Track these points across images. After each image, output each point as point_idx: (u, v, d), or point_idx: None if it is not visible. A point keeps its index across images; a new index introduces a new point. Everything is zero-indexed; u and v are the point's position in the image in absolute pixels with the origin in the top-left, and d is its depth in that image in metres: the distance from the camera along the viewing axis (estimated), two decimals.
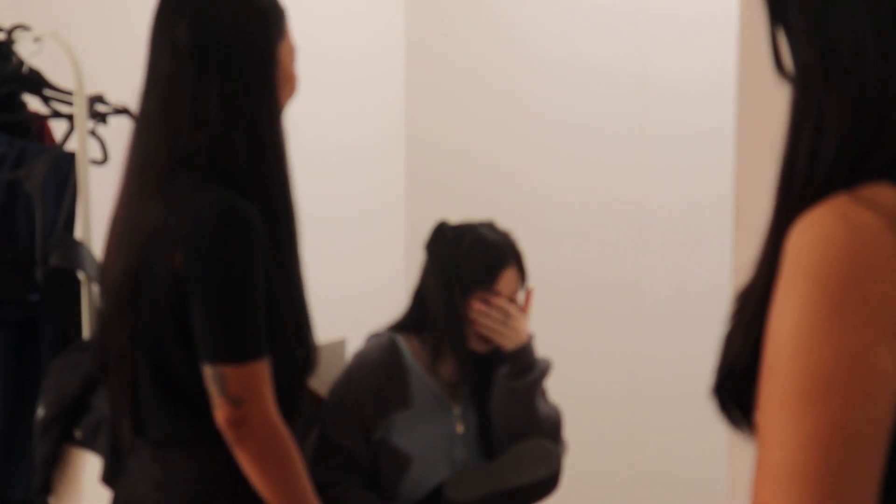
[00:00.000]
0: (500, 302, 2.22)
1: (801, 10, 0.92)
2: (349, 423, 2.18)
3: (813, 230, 0.84)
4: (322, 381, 2.27)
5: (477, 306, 2.21)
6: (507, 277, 2.25)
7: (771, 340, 0.84)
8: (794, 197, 0.90)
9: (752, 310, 0.93)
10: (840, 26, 0.90)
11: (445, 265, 2.23)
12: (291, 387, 1.73)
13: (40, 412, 2.12)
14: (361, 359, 2.24)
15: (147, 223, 1.65)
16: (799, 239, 0.85)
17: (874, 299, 0.81)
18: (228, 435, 1.63)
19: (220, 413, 1.62)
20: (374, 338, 2.29)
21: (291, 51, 1.77)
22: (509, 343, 2.22)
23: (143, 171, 1.68)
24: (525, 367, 2.21)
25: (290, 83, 1.76)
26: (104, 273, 1.76)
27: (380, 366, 2.21)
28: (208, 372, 1.61)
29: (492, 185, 3.81)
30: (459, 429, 2.24)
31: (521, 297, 2.29)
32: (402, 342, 2.25)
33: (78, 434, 2.11)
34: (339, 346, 2.42)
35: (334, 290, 3.31)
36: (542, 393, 2.27)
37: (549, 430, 2.24)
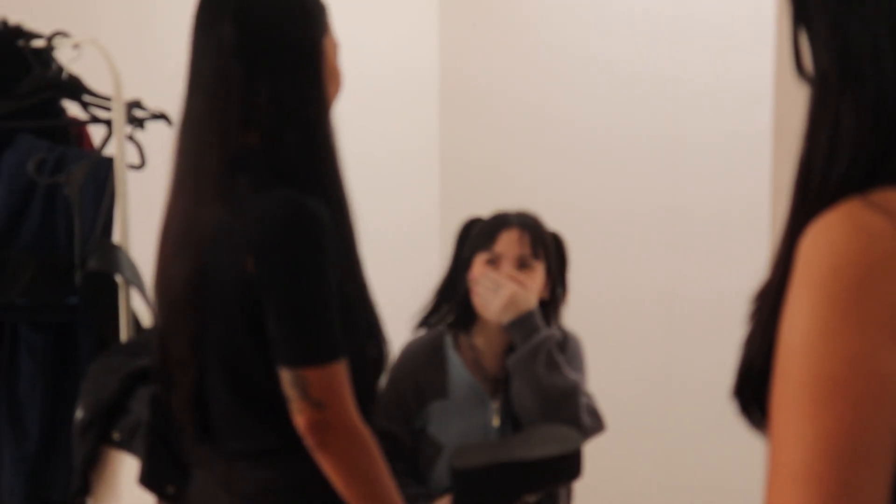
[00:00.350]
0: (490, 271, 2.19)
1: (822, 13, 0.92)
2: (393, 409, 2.21)
3: (824, 234, 0.85)
4: None
5: (471, 274, 2.21)
6: (507, 238, 2.21)
7: (782, 343, 0.85)
8: (810, 199, 0.91)
9: (768, 310, 0.93)
10: (858, 30, 0.90)
11: (461, 239, 2.29)
12: (367, 386, 1.70)
13: (79, 414, 2.13)
14: (407, 349, 2.28)
15: (207, 228, 1.61)
16: (811, 243, 0.85)
17: (883, 303, 0.82)
18: (310, 440, 1.60)
19: (302, 418, 1.59)
20: (429, 330, 2.32)
21: (335, 46, 1.73)
22: (502, 314, 2.16)
23: (196, 175, 1.64)
24: (521, 339, 2.16)
25: (335, 78, 1.73)
26: (161, 282, 1.72)
27: (421, 356, 2.24)
28: (287, 376, 1.58)
29: (525, 197, 3.72)
30: (496, 422, 2.22)
31: (539, 275, 2.22)
32: (449, 335, 2.27)
33: (116, 436, 2.11)
34: None
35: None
36: (554, 365, 2.16)
37: (557, 401, 2.14)
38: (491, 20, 3.87)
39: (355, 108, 3.47)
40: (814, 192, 0.90)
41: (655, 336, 3.64)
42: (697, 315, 3.57)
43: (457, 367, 2.24)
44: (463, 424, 2.21)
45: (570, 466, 2.06)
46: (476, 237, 2.26)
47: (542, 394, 2.13)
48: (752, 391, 0.94)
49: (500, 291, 2.16)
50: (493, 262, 2.22)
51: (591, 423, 2.20)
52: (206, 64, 1.63)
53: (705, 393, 3.47)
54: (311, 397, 1.56)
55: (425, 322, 2.34)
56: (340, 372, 1.59)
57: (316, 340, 1.57)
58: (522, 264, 2.22)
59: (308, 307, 1.57)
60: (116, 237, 2.37)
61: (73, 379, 2.32)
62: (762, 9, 3.04)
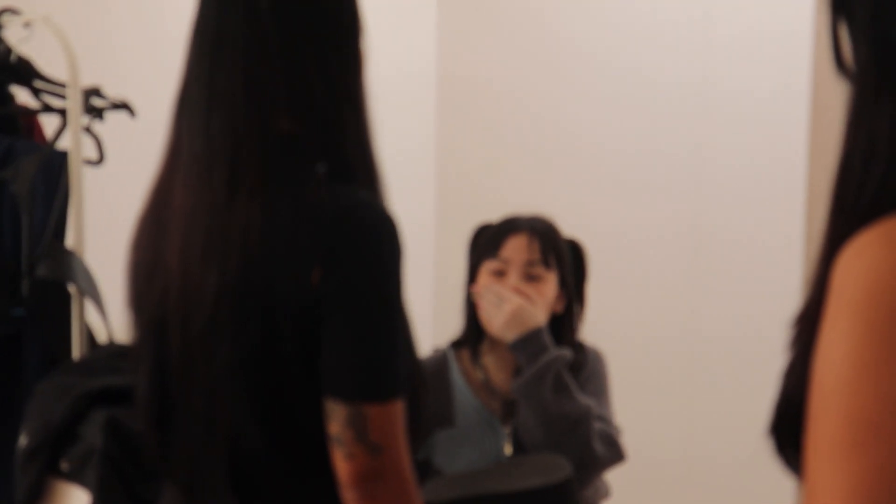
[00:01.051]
0: (494, 283, 2.10)
1: (861, 4, 0.90)
2: None
3: (859, 258, 0.82)
4: None
5: (473, 287, 2.13)
6: (514, 244, 2.13)
7: (816, 377, 0.83)
8: (847, 209, 0.89)
9: (806, 337, 0.91)
10: None
11: (472, 246, 2.23)
12: (414, 426, 1.48)
13: (23, 440, 2.02)
14: None
15: (254, 230, 1.38)
16: (845, 267, 0.83)
17: None
18: (355, 492, 1.38)
19: (352, 465, 1.38)
20: (432, 352, 2.24)
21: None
22: (505, 332, 2.05)
23: (230, 165, 1.40)
24: (528, 360, 2.05)
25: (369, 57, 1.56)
26: (180, 294, 1.44)
27: None
28: (341, 413, 1.37)
29: (524, 202, 3.67)
30: (508, 449, 2.12)
31: (550, 287, 2.13)
32: (453, 357, 2.19)
33: (64, 466, 2.00)
34: None
35: None
36: (563, 389, 2.04)
37: (565, 429, 2.02)
38: (490, 20, 3.81)
39: None
40: (851, 200, 0.88)
41: (675, 368, 3.50)
42: (721, 345, 3.46)
43: (463, 392, 2.17)
44: (472, 454, 2.12)
45: (553, 500, 1.94)
46: (483, 244, 2.20)
47: (549, 421, 2.03)
48: (790, 429, 0.91)
49: (503, 306, 2.06)
50: (501, 272, 2.14)
51: (604, 453, 2.07)
52: (235, 29, 1.42)
53: (732, 432, 3.35)
54: (370, 440, 1.36)
55: (464, 341, 2.23)
56: (400, 412, 1.39)
57: (384, 371, 1.38)
58: (531, 273, 2.12)
59: (381, 332, 1.38)
60: (70, 241, 2.33)
61: (16, 400, 2.25)
62: (799, 14, 2.96)
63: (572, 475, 1.97)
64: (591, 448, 2.03)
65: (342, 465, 1.37)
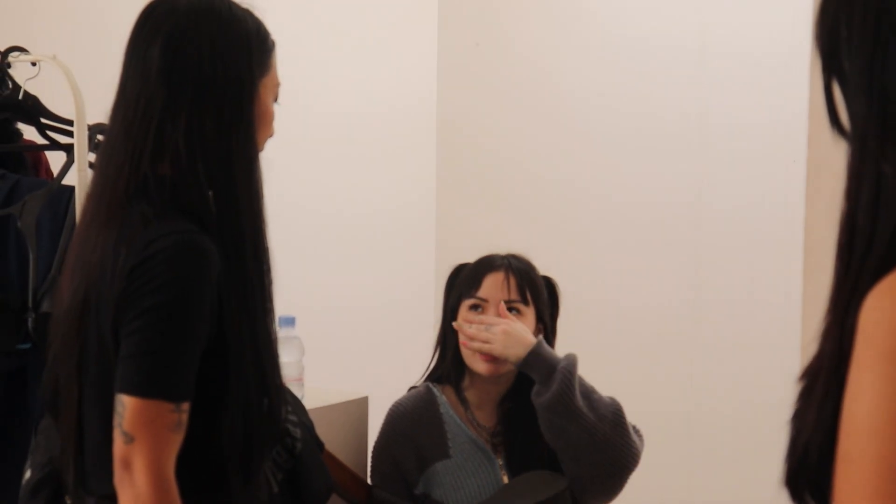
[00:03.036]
0: (476, 315, 2.14)
1: (853, 59, 0.89)
2: (390, 476, 2.17)
3: (886, 301, 0.82)
4: (343, 439, 2.27)
5: (455, 323, 2.15)
6: (492, 282, 2.16)
7: (845, 423, 0.82)
8: (855, 263, 0.87)
9: (822, 387, 0.88)
10: (894, 73, 0.87)
11: (449, 285, 2.25)
12: (251, 439, 1.65)
13: (27, 474, 1.97)
14: (396, 410, 2.22)
15: (95, 253, 1.62)
16: (872, 311, 0.82)
17: None
18: (116, 474, 1.55)
19: (114, 448, 1.55)
20: (411, 389, 2.26)
21: (275, 88, 1.74)
22: (507, 353, 2.07)
23: (100, 198, 1.65)
24: (544, 373, 2.05)
25: (267, 121, 1.73)
26: (56, 304, 1.74)
27: (415, 416, 2.18)
28: (117, 401, 1.55)
29: (524, 231, 3.62)
30: (504, 480, 2.14)
31: (529, 319, 2.16)
32: (438, 391, 2.21)
33: (68, 501, 1.92)
34: (362, 403, 2.39)
35: (363, 352, 3.61)
36: (589, 395, 2.07)
37: (609, 434, 2.05)
38: (487, 62, 3.75)
39: (351, 138, 3.68)
40: (859, 254, 0.87)
41: (677, 358, 3.41)
42: (722, 331, 3.36)
43: (455, 424, 2.18)
44: (471, 485, 2.13)
45: None
46: (461, 283, 2.22)
47: (594, 430, 2.05)
48: (808, 478, 0.90)
49: (493, 329, 2.09)
50: (479, 308, 2.17)
51: (639, 444, 2.13)
52: (132, 86, 1.65)
53: (732, 420, 3.29)
54: (123, 427, 1.54)
55: (433, 377, 2.27)
56: (165, 413, 1.54)
57: (150, 370, 1.54)
58: (509, 309, 2.16)
59: (156, 335, 1.55)
60: None
61: (22, 434, 2.23)
62: (797, 43, 2.90)
63: (566, 487, 2.04)
64: (633, 440, 2.08)
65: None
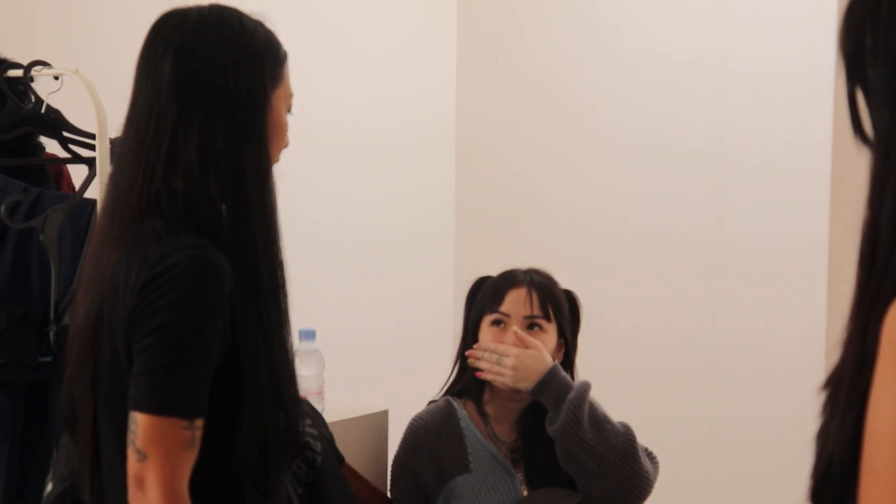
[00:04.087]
0: (489, 344, 2.13)
1: (878, 67, 0.88)
2: (411, 491, 2.17)
3: None
4: (363, 452, 2.27)
5: (469, 352, 2.16)
6: (514, 297, 2.15)
7: (869, 434, 0.81)
8: (877, 270, 0.86)
9: (845, 397, 0.87)
10: None
11: (470, 300, 2.25)
12: (267, 453, 1.64)
13: (49, 487, 1.97)
14: (416, 424, 2.21)
15: (108, 269, 1.61)
16: (894, 321, 0.81)
17: None
18: (130, 491, 1.54)
19: (129, 465, 1.54)
20: (431, 403, 2.26)
21: (288, 99, 1.72)
22: (518, 384, 2.08)
23: (114, 212, 1.64)
24: (554, 403, 2.06)
25: (280, 133, 1.71)
26: (72, 321, 1.74)
27: (434, 430, 2.18)
28: (131, 419, 1.54)
29: (542, 245, 3.61)
30: (524, 495, 2.13)
31: (550, 337, 2.15)
32: (458, 405, 2.21)
33: None
34: (382, 416, 2.39)
35: (383, 366, 3.61)
36: (599, 423, 2.06)
37: (618, 461, 2.04)
38: (508, 80, 3.76)
39: (371, 153, 3.70)
40: (881, 262, 0.86)
41: (695, 375, 3.41)
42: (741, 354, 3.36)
43: (476, 439, 2.18)
44: (491, 499, 2.13)
45: None
46: (483, 298, 2.21)
47: (603, 459, 2.04)
48: (833, 492, 0.88)
49: (504, 362, 2.09)
50: (501, 324, 2.16)
51: (652, 470, 2.12)
52: (144, 100, 1.63)
53: (751, 441, 3.27)
54: (136, 445, 1.52)
55: (452, 391, 2.27)
56: (178, 431, 1.52)
57: (162, 387, 1.53)
58: (531, 325, 2.16)
59: (169, 353, 1.53)
60: None
61: (44, 447, 2.23)
62: (819, 61, 2.89)
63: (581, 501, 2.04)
64: (644, 470, 2.07)
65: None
